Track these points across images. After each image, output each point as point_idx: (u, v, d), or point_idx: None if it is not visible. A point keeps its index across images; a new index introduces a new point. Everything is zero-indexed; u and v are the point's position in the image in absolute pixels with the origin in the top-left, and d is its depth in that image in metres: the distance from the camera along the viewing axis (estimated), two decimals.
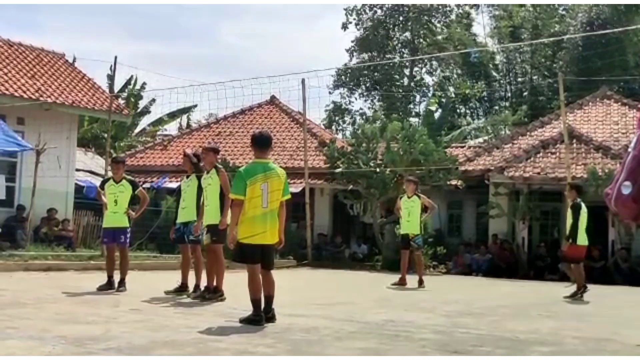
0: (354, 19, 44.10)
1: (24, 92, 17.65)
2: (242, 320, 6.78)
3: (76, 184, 19.86)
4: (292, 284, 13.16)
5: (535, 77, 41.50)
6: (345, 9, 43.98)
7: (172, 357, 5.14)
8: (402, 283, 13.07)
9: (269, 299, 6.99)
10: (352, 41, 44.04)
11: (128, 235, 10.23)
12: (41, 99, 17.58)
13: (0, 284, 10.29)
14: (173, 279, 9.84)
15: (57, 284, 10.45)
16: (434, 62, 44.06)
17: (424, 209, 13.52)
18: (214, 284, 8.91)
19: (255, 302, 6.83)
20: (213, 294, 8.80)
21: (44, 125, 17.31)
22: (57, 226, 17.32)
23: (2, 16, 56.72)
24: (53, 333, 5.78)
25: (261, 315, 6.78)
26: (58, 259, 14.02)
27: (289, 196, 7.32)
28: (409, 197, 13.36)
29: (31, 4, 61.18)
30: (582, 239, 11.56)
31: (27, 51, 19.99)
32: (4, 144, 15.39)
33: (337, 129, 42.65)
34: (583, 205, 11.62)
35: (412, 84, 44.35)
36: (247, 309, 6.99)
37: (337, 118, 44.56)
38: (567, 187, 12.39)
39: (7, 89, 17.29)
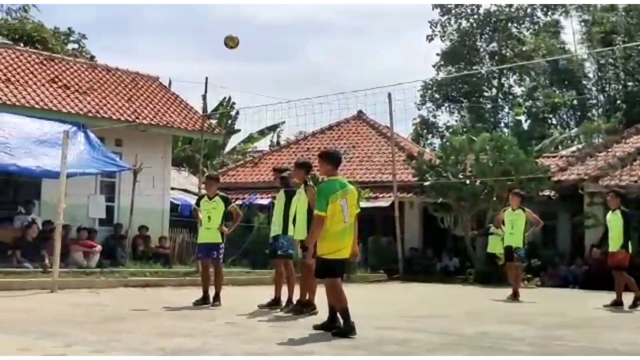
0: (439, 32, 43.80)
1: (121, 114, 18.40)
2: (335, 334, 6.78)
3: (171, 202, 20.48)
4: (383, 297, 13.14)
5: (630, 84, 39.94)
6: (429, 22, 43.75)
7: None
8: (515, 296, 12.86)
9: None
10: (438, 54, 43.72)
11: (221, 251, 10.39)
12: (137, 120, 18.27)
13: (102, 299, 10.75)
14: (266, 293, 9.99)
15: (155, 299, 10.79)
16: (522, 72, 43.10)
17: (529, 223, 13.38)
18: (307, 297, 8.97)
19: (345, 312, 6.87)
20: (306, 307, 8.87)
21: (140, 146, 17.99)
22: (148, 244, 17.82)
23: (101, 42, 59.44)
24: (153, 345, 5.97)
25: (353, 325, 6.81)
26: (155, 276, 14.48)
27: (359, 210, 7.44)
28: (513, 210, 13.26)
29: (127, 30, 63.95)
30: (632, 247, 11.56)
31: (123, 75, 20.86)
32: (103, 165, 16.05)
33: (424, 143, 42.33)
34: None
35: (500, 94, 43.56)
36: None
37: (424, 131, 44.25)
38: (612, 195, 12.08)
39: (105, 112, 18.08)
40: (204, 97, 23.32)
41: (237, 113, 31.46)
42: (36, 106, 16.69)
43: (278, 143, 34.16)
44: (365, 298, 12.76)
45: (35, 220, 15.65)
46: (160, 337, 6.50)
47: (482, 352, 6.12)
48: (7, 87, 16.88)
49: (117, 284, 13.15)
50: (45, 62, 19.36)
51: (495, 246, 16.43)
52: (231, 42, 13.15)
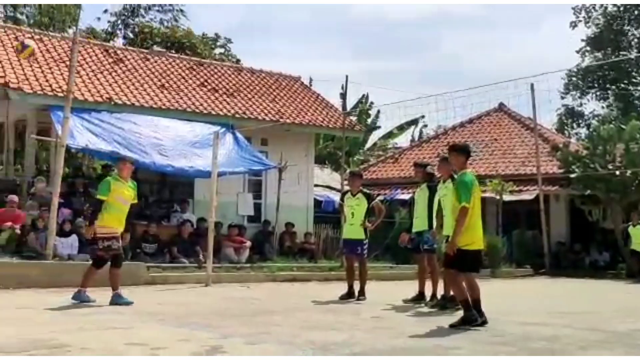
0: (583, 17, 41.69)
1: (266, 115, 19.04)
2: (453, 325, 7.00)
3: (315, 198, 20.94)
4: (529, 292, 12.78)
5: None
6: (573, 8, 41.71)
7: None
8: None
9: (479, 302, 7.21)
10: (583, 40, 41.66)
11: (365, 247, 10.48)
12: (281, 120, 18.84)
13: (252, 293, 11.21)
14: (410, 288, 10.02)
15: (302, 293, 11.12)
16: None
17: None
18: (451, 293, 8.92)
19: (466, 302, 7.10)
20: (450, 302, 8.82)
21: (284, 144, 18.54)
22: (294, 239, 18.30)
23: (246, 46, 61.63)
24: (302, 338, 6.18)
25: (473, 316, 7.02)
26: (302, 270, 14.90)
27: None
28: None
29: (269, 33, 65.90)
30: None
31: (267, 77, 21.57)
32: (250, 164, 16.70)
33: (569, 133, 40.51)
34: None
35: None
36: (490, 316, 6.99)
37: (569, 121, 42.34)
38: None
39: (251, 113, 18.79)
40: (344, 95, 23.64)
41: (378, 111, 31.63)
42: (187, 109, 17.61)
43: (420, 138, 34.00)
44: (512, 293, 12.50)
45: (189, 218, 16.53)
46: (308, 330, 6.71)
47: (637, 350, 5.86)
48: (161, 92, 17.94)
49: (265, 279, 13.66)
50: (195, 67, 20.40)
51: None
52: (22, 50, 12.98)
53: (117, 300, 8.58)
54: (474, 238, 7.21)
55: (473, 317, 7.01)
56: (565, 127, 41.48)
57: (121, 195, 8.85)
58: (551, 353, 5.68)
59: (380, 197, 20.48)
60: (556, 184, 21.27)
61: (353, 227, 10.39)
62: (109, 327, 6.63)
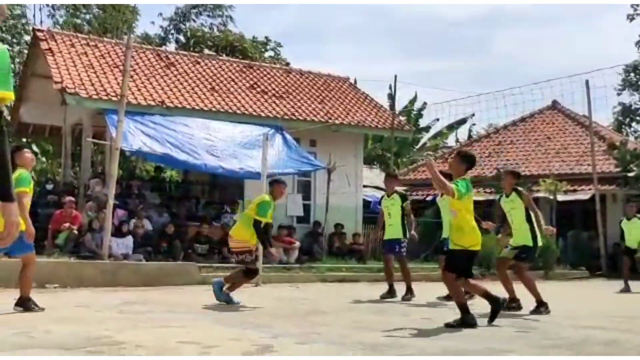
0: None
1: (315, 116, 19.08)
2: (449, 325, 7.08)
3: (364, 199, 20.89)
4: (585, 295, 12.49)
5: None
6: (632, 6, 40.48)
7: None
8: None
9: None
10: None
11: (403, 246, 10.68)
12: (329, 121, 18.85)
13: (301, 293, 11.23)
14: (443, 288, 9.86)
15: (351, 293, 11.07)
16: None
17: None
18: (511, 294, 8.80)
19: (464, 305, 7.27)
20: (510, 303, 8.67)
21: (333, 145, 18.54)
22: (343, 240, 18.28)
23: (295, 49, 61.95)
24: (351, 339, 6.14)
25: (471, 319, 7.13)
26: (351, 271, 14.87)
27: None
28: None
29: (318, 35, 66.04)
30: None
31: (316, 78, 21.62)
32: (299, 165, 16.76)
33: (627, 131, 39.47)
34: None
35: None
36: (545, 319, 6.80)
37: (627, 119, 41.24)
38: None
39: (300, 114, 18.85)
40: (392, 96, 23.53)
41: (436, 118, 31.34)
42: (237, 111, 17.78)
43: (469, 137, 33.59)
44: (567, 296, 12.23)
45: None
46: (358, 330, 6.67)
47: None
48: (212, 94, 18.15)
49: (315, 279, 13.68)
50: (245, 69, 20.58)
51: None
52: None
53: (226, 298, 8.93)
54: (479, 238, 7.36)
55: (472, 321, 7.09)
56: (623, 125, 40.44)
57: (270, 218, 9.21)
58: (608, 358, 5.51)
59: (429, 198, 20.31)
60: (613, 183, 20.76)
61: (391, 228, 10.62)
62: (162, 325, 6.71)
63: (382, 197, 11.22)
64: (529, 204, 8.96)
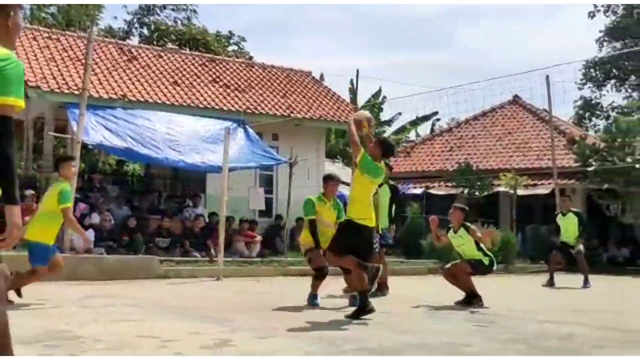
0: (603, 7, 41.25)
1: (277, 110, 19.04)
2: (350, 316, 7.10)
3: None
4: (544, 289, 12.67)
5: None
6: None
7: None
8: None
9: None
10: (601, 31, 41.24)
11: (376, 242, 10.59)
12: (292, 115, 18.83)
13: (263, 287, 11.21)
14: (419, 284, 9.96)
15: None
16: None
17: None
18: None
19: (365, 292, 7.25)
20: (474, 298, 8.76)
21: (295, 139, 18.54)
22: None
23: (259, 44, 61.69)
24: (311, 333, 6.17)
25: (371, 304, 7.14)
26: None
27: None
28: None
29: (284, 30, 65.87)
30: None
31: (278, 72, 21.57)
32: (261, 159, 16.72)
33: (587, 126, 40.15)
34: None
35: None
36: (503, 313, 6.85)
37: (586, 114, 41.96)
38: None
39: (262, 108, 18.80)
40: (354, 90, 23.59)
41: (399, 112, 31.47)
42: (200, 105, 17.66)
43: (432, 131, 33.85)
44: (526, 290, 12.41)
45: (201, 212, 16.57)
46: (317, 324, 6.67)
47: None
48: (174, 88, 18.00)
49: (276, 273, 13.66)
50: (207, 63, 20.44)
51: None
52: None
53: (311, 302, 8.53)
54: (366, 214, 7.37)
55: (370, 308, 7.13)
56: (583, 120, 41.13)
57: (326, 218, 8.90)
58: (565, 352, 5.60)
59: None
60: (572, 177, 21.09)
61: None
62: (122, 319, 6.67)
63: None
64: (478, 238, 8.94)
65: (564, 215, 13.55)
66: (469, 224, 9.19)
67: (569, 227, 13.35)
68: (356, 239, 7.35)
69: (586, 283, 12.78)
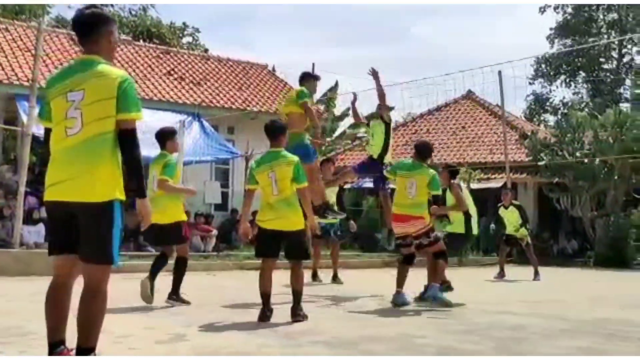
0: (553, 3, 42.03)
1: (233, 103, 18.93)
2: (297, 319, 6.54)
3: None
4: (496, 281, 12.88)
5: None
6: None
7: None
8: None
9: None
10: (551, 29, 42.05)
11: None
12: (248, 108, 18.74)
13: (218, 281, 11.16)
14: (375, 277, 10.03)
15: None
16: None
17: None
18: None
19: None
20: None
21: (251, 132, 18.44)
22: None
23: (213, 34, 61.15)
24: (266, 326, 6.16)
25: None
26: None
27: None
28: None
29: (239, 20, 65.42)
30: None
31: (234, 65, 21.44)
32: (217, 152, 16.60)
33: (539, 120, 40.91)
34: None
35: (620, 66, 41.36)
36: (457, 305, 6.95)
37: (538, 109, 42.75)
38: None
39: (218, 102, 18.66)
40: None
41: (348, 108, 31.43)
42: (154, 98, 17.45)
43: None
44: (479, 282, 12.60)
45: None
46: (273, 318, 6.64)
47: (602, 340, 5.91)
48: None
49: (232, 267, 13.61)
50: (161, 55, 20.18)
51: None
52: None
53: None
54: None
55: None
56: (534, 114, 41.87)
57: None
58: (515, 342, 5.70)
59: (347, 186, 20.48)
60: (524, 171, 21.47)
61: None
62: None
63: None
64: (455, 196, 9.03)
65: (506, 208, 13.65)
66: (454, 181, 9.26)
67: (510, 219, 13.49)
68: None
69: (536, 276, 13.02)
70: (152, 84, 18.13)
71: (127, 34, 31.72)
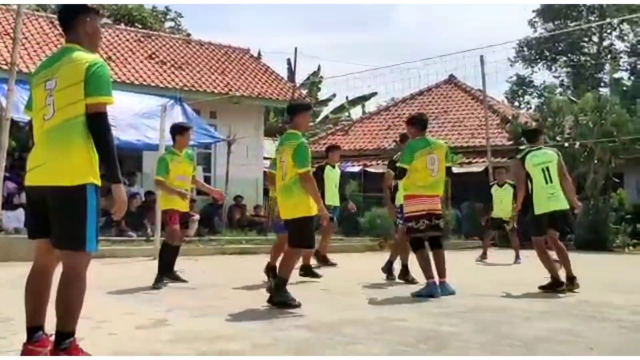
0: None
1: (215, 87, 18.82)
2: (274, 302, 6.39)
3: (265, 171, 20.85)
4: (479, 264, 12.97)
5: None
6: None
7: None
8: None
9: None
10: (534, 11, 42.18)
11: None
12: (230, 93, 18.64)
13: (200, 266, 11.14)
14: (357, 261, 10.05)
15: (251, 266, 11.05)
16: (626, 26, 40.96)
17: None
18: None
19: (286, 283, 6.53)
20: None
21: (233, 117, 18.40)
22: (244, 212, 18.21)
23: (196, 18, 60.68)
24: (247, 312, 6.15)
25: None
26: (251, 243, 14.86)
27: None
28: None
29: (220, 5, 64.88)
30: None
31: (216, 49, 21.29)
32: (199, 137, 16.50)
33: (520, 104, 41.11)
34: None
35: (600, 51, 41.61)
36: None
37: (520, 92, 42.97)
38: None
39: (200, 86, 18.54)
40: (292, 68, 23.51)
41: (333, 94, 31.40)
42: (135, 82, 17.30)
43: (363, 112, 34.01)
44: (460, 265, 12.66)
45: (138, 191, 16.30)
46: (254, 303, 6.64)
47: (583, 321, 5.98)
48: (108, 64, 17.43)
49: (214, 252, 13.60)
50: (143, 39, 20.00)
51: None
52: None
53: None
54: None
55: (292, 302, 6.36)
56: (516, 97, 42.08)
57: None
58: (495, 324, 5.75)
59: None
60: (505, 155, 21.56)
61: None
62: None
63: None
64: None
65: (500, 186, 13.58)
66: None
67: (504, 198, 13.37)
68: None
69: (517, 259, 13.11)
70: (134, 67, 17.98)
71: (109, 17, 31.38)
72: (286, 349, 4.59)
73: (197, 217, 15.97)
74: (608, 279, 10.29)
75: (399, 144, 9.73)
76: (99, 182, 3.84)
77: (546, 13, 41.59)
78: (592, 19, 41.09)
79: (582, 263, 13.82)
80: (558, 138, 20.03)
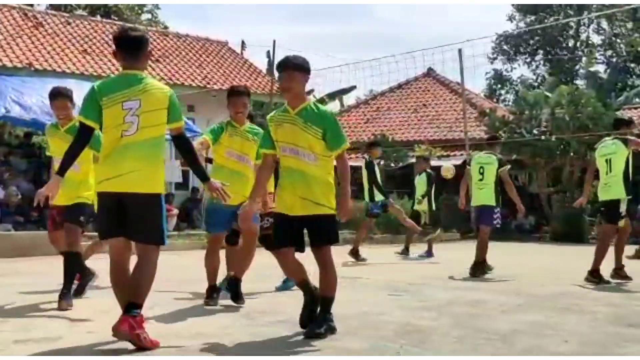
0: None
1: (193, 80, 18.72)
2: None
3: None
4: (456, 257, 13.06)
5: None
6: None
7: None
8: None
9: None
10: (513, 5, 42.37)
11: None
12: (208, 86, 18.56)
13: (180, 261, 11.08)
14: (335, 254, 10.04)
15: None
16: (603, 20, 41.32)
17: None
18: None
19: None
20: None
21: (211, 111, 18.29)
22: None
23: (172, 10, 60.24)
24: (228, 307, 6.16)
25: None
26: None
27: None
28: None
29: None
30: None
31: (193, 42, 21.17)
32: None
33: (498, 98, 41.34)
34: None
35: (577, 45, 41.94)
36: (418, 281, 7.01)
37: (498, 86, 43.20)
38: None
39: (177, 79, 18.44)
40: (271, 61, 23.43)
41: (311, 89, 31.26)
42: (112, 75, 17.13)
43: (342, 105, 33.97)
44: (439, 258, 12.76)
45: None
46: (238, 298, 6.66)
47: (558, 313, 6.05)
48: (84, 57, 17.40)
49: (194, 246, 13.53)
50: None
51: None
52: None
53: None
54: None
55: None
56: (494, 92, 42.30)
57: None
58: (472, 317, 5.80)
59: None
60: (483, 149, 21.64)
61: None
62: (31, 299, 6.49)
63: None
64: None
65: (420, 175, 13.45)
66: None
67: (418, 188, 13.38)
68: None
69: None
70: (110, 60, 17.81)
71: (84, 9, 31.10)
72: (265, 346, 4.60)
73: (175, 211, 16.07)
74: (583, 271, 10.39)
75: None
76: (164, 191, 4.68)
77: (525, 7, 41.78)
78: (569, 12, 41.37)
79: (558, 255, 14.05)
80: (535, 131, 20.21)
